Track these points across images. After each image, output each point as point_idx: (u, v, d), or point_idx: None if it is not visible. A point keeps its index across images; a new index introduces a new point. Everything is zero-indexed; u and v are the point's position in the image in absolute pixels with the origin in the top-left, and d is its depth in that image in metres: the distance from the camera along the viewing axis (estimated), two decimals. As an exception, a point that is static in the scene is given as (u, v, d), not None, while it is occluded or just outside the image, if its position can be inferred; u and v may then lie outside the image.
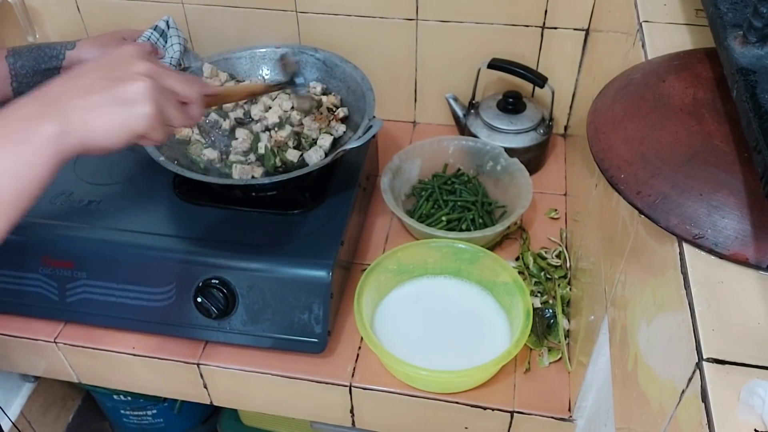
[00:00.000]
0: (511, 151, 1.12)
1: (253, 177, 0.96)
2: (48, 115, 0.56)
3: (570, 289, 0.97)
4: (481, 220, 1.06)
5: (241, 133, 1.00)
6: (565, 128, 1.28)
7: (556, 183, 1.19)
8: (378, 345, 0.85)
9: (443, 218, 1.06)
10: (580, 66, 1.18)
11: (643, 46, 0.68)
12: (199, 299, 0.89)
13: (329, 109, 1.05)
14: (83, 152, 0.58)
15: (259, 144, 0.99)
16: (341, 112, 1.05)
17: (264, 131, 1.01)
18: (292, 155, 0.99)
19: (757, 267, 0.46)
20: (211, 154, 0.99)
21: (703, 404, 0.40)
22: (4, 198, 0.53)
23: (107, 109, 0.57)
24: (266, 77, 1.12)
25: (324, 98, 1.07)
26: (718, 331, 0.43)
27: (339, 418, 0.97)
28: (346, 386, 0.91)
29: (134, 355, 0.96)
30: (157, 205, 0.98)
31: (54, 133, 0.55)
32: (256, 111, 1.03)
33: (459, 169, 1.15)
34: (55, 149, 0.55)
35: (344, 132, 1.03)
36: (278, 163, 0.99)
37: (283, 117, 1.02)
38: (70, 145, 0.56)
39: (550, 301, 0.97)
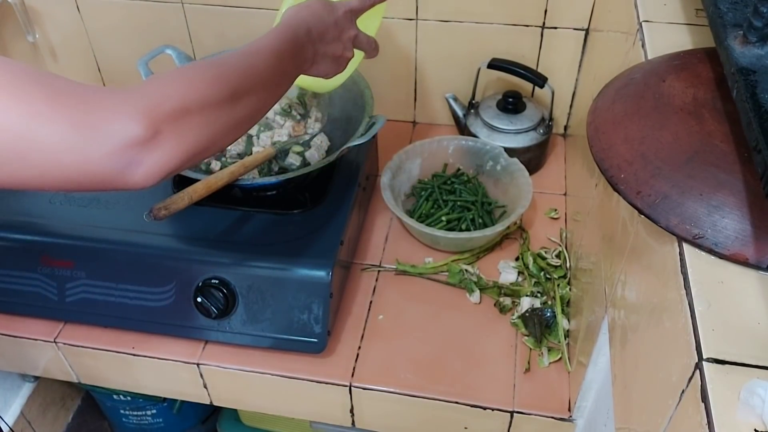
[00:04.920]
0: (511, 151, 1.12)
1: (253, 177, 0.96)
2: (308, 49, 0.73)
3: (570, 289, 0.97)
4: (480, 220, 1.06)
5: None
6: (565, 128, 1.28)
7: (556, 183, 1.19)
8: None
9: (443, 218, 1.06)
10: (580, 66, 1.18)
11: (643, 45, 0.68)
12: (199, 299, 0.89)
13: (303, 115, 1.04)
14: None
15: (253, 149, 0.99)
16: (316, 115, 1.04)
17: (256, 134, 1.01)
18: (290, 160, 0.99)
19: (757, 267, 0.46)
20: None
21: (703, 404, 0.40)
22: (272, 81, 0.66)
23: (330, 63, 0.78)
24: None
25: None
26: (718, 331, 0.43)
27: (339, 418, 0.97)
28: (346, 386, 0.91)
29: (134, 355, 0.96)
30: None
31: (307, 59, 0.73)
32: None
33: (459, 169, 1.15)
34: (300, 70, 0.73)
35: (320, 129, 1.03)
36: (275, 168, 0.99)
37: (270, 120, 1.02)
38: (303, 72, 0.74)
39: (550, 302, 0.97)
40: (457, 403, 0.88)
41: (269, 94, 0.66)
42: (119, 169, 0.52)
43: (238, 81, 0.60)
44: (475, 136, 1.16)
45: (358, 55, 0.86)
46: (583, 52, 1.16)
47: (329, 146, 1.01)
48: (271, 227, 0.94)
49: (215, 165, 1.00)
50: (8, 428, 0.84)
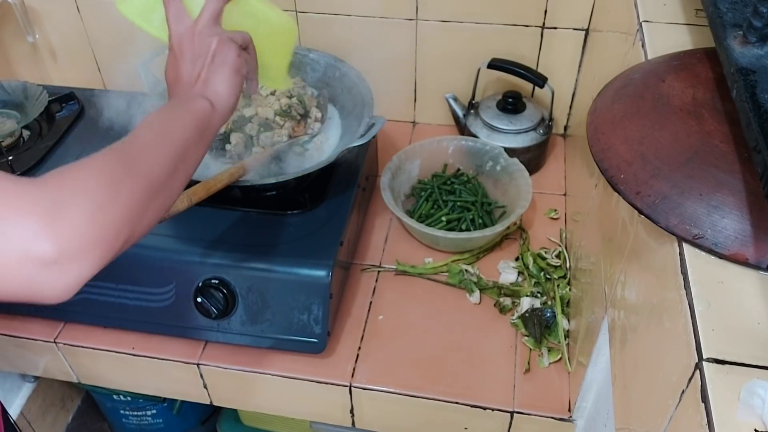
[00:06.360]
0: (510, 151, 1.12)
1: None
2: (186, 89, 0.70)
3: (570, 290, 0.97)
4: (480, 220, 1.06)
5: (234, 137, 1.00)
6: (565, 128, 1.28)
7: (555, 183, 1.19)
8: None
9: (443, 218, 1.06)
10: (580, 66, 1.18)
11: (643, 46, 0.68)
12: (199, 299, 0.89)
13: (302, 115, 1.04)
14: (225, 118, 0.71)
15: (254, 149, 0.99)
16: (316, 114, 1.04)
17: (256, 135, 1.01)
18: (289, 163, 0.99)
19: (757, 267, 0.46)
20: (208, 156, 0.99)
21: (703, 404, 0.40)
22: (179, 144, 0.62)
23: (222, 79, 0.71)
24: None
25: (306, 95, 1.06)
26: (718, 331, 0.43)
27: (339, 418, 0.97)
28: (346, 386, 0.91)
29: (134, 355, 0.96)
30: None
31: (196, 95, 0.69)
32: (248, 112, 1.03)
33: (459, 169, 1.15)
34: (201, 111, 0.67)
35: (319, 129, 1.03)
36: (274, 169, 0.99)
37: (270, 120, 1.02)
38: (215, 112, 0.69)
39: (550, 302, 0.97)
40: (457, 403, 0.88)
41: (182, 152, 0.62)
42: (27, 281, 0.47)
43: (142, 154, 0.58)
44: (475, 136, 1.16)
45: (280, 28, 0.82)
46: (583, 52, 1.16)
47: (339, 140, 1.01)
48: (271, 227, 0.94)
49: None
50: (13, 421, 0.84)
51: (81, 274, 0.49)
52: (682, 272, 0.47)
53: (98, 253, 0.50)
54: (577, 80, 1.19)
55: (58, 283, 0.48)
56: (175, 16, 0.73)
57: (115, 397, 1.39)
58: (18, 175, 1.03)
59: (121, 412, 1.43)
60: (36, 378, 1.38)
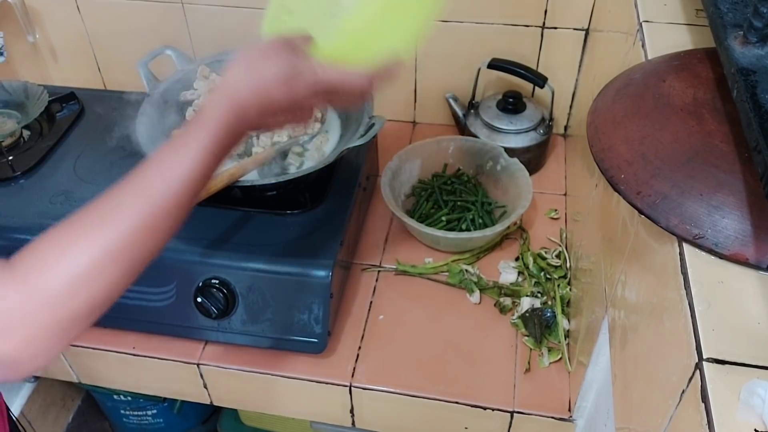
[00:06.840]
0: (511, 151, 1.12)
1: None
2: (241, 135, 0.61)
3: (570, 289, 0.97)
4: (481, 220, 1.06)
5: None
6: (565, 128, 1.28)
7: (556, 183, 1.19)
8: None
9: (443, 218, 1.06)
10: (580, 66, 1.18)
11: (643, 46, 0.68)
12: (199, 299, 0.89)
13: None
14: None
15: (254, 149, 0.99)
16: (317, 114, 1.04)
17: (256, 134, 1.01)
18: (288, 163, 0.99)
19: (757, 267, 0.46)
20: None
21: (703, 404, 0.40)
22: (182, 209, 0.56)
23: (280, 125, 0.65)
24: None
25: None
26: (718, 331, 0.43)
27: (339, 418, 0.97)
28: (346, 386, 0.91)
29: (134, 355, 0.96)
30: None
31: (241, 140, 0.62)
32: None
33: (459, 169, 1.15)
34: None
35: (319, 129, 1.03)
36: (274, 169, 0.99)
37: None
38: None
39: (550, 302, 0.97)
40: (457, 403, 0.88)
41: (176, 223, 0.56)
42: None
43: (137, 240, 0.52)
44: (475, 136, 1.16)
45: None
46: (583, 52, 1.16)
47: (339, 140, 1.01)
48: (271, 227, 0.94)
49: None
50: (15, 418, 0.85)
51: (39, 365, 0.50)
52: (682, 272, 0.47)
53: (59, 347, 0.51)
54: (577, 80, 1.19)
55: (15, 375, 0.50)
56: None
57: (115, 396, 1.39)
58: (19, 174, 1.03)
59: (122, 411, 1.43)
60: (36, 378, 1.37)
